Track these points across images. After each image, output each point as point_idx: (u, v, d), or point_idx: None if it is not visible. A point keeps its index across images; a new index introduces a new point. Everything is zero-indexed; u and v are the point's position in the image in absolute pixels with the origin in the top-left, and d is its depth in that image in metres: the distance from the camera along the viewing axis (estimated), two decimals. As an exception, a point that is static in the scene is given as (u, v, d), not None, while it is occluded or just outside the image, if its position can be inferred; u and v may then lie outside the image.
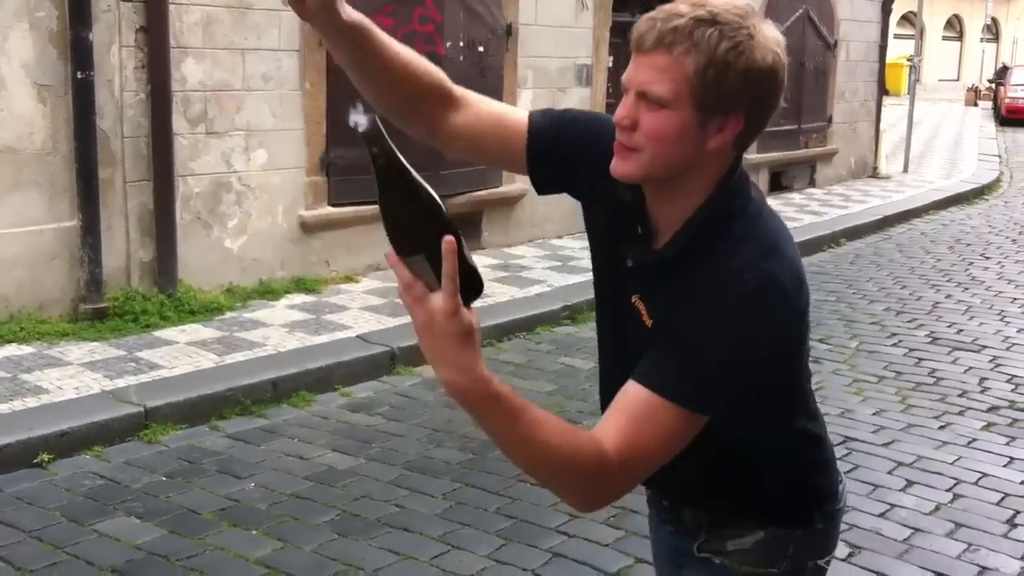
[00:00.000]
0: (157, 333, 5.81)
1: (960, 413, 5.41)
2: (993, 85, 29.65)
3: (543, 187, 1.79)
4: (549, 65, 8.94)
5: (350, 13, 1.56)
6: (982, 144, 19.41)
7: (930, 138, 20.01)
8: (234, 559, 3.69)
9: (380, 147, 1.29)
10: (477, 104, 1.73)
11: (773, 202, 12.15)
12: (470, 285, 1.36)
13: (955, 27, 42.37)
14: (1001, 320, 7.29)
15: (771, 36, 1.52)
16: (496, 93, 8.33)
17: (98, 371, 5.16)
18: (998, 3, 38.50)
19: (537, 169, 1.74)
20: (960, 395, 5.69)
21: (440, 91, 1.71)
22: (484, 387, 1.37)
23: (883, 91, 14.81)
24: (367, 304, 6.71)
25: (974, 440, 5.03)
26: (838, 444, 4.88)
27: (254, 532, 3.88)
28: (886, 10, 14.11)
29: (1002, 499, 4.37)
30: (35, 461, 4.34)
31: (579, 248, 8.01)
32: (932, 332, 6.94)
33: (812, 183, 13.01)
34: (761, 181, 12.14)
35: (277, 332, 5.98)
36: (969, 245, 10.18)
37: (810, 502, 1.80)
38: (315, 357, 5.58)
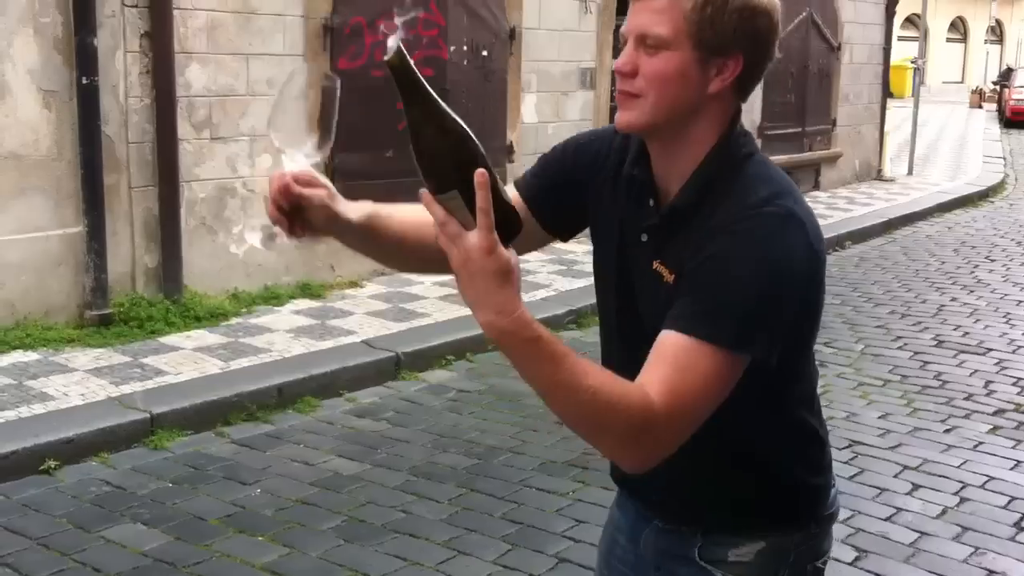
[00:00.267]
0: (163, 339, 5.82)
1: (966, 416, 5.40)
2: (997, 87, 29.62)
3: (567, 233, 1.80)
4: (553, 69, 8.94)
5: (358, 210, 1.57)
6: (987, 146, 19.40)
7: (935, 140, 20.00)
8: (240, 565, 3.69)
9: (404, 74, 1.28)
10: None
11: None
12: (507, 223, 1.33)
13: (959, 29, 42.35)
14: (1007, 323, 7.28)
15: None
16: (500, 97, 8.35)
17: (104, 377, 5.17)
18: (1002, 5, 38.47)
19: (554, 222, 1.77)
20: (966, 398, 5.68)
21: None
22: (525, 328, 1.34)
23: (887, 94, 14.80)
24: (372, 309, 6.71)
25: (980, 443, 5.03)
26: (844, 448, 4.89)
27: (260, 538, 3.88)
28: (890, 12, 14.11)
29: (1009, 502, 4.37)
30: (42, 468, 4.35)
31: (583, 253, 8.00)
32: (937, 335, 6.93)
33: (817, 186, 13.01)
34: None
35: (282, 338, 5.99)
36: (974, 248, 10.16)
37: (809, 503, 1.78)
38: (320, 362, 5.58)
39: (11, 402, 4.78)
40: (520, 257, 1.37)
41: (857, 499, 4.35)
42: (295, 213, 1.51)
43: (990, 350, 6.60)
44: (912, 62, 18.51)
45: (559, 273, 7.84)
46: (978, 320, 7.34)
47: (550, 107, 8.98)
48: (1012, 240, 10.64)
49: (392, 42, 1.26)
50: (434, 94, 1.30)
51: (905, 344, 6.72)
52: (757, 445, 1.70)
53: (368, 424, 5.09)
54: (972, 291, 8.24)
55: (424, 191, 1.31)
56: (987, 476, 4.63)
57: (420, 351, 5.90)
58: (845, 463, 4.72)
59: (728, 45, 1.50)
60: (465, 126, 1.31)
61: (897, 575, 3.76)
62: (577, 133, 1.81)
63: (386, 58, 1.26)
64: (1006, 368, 6.23)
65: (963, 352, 6.55)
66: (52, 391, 4.95)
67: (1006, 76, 29.20)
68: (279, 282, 6.94)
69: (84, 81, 5.78)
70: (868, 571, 3.77)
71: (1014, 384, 5.93)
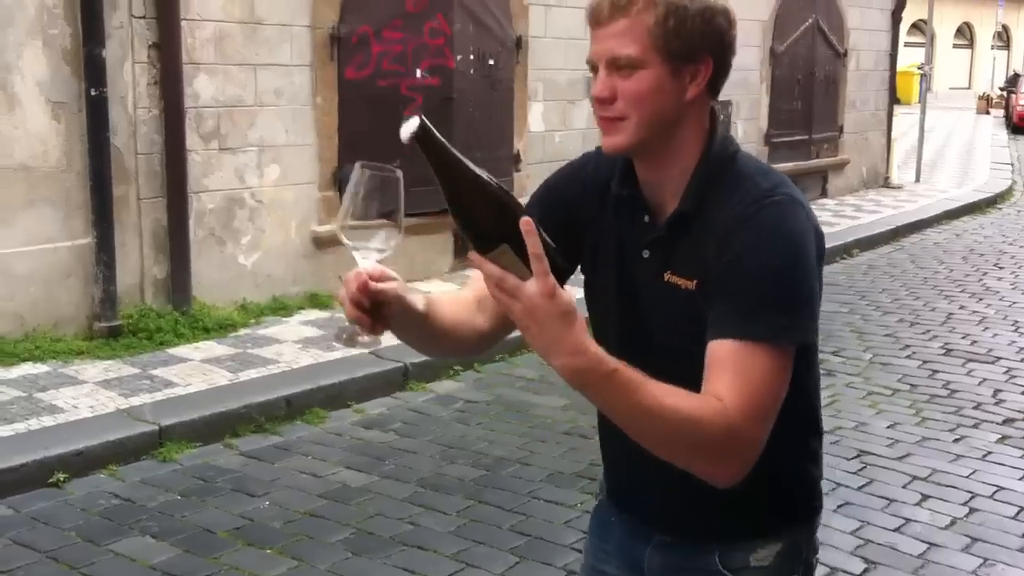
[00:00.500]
0: (171, 350, 5.83)
1: (975, 426, 5.38)
2: (1005, 93, 29.56)
3: (569, 273, 1.75)
4: (559, 77, 8.95)
5: (420, 300, 1.59)
6: (994, 152, 19.36)
7: (942, 147, 19.96)
8: (249, 578, 3.69)
9: (432, 146, 1.31)
10: (487, 300, 1.67)
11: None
12: (554, 264, 1.35)
13: (966, 35, 42.28)
14: (1015, 331, 7.26)
15: None
16: (507, 106, 8.36)
17: (113, 389, 5.18)
18: (1009, 10, 38.39)
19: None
20: (975, 407, 5.66)
21: (477, 321, 1.70)
22: (601, 363, 1.36)
23: (894, 100, 14.79)
24: (380, 319, 6.70)
25: (989, 453, 5.01)
26: (852, 458, 4.88)
27: (268, 551, 3.89)
28: (896, 19, 14.10)
29: (1018, 512, 4.35)
30: (51, 480, 4.36)
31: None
32: (946, 343, 6.92)
33: (824, 193, 12.99)
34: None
35: (290, 348, 6.00)
36: (982, 255, 10.14)
37: (813, 495, 1.79)
38: (328, 373, 5.59)
39: (20, 414, 4.80)
40: None
41: (866, 510, 4.34)
42: (374, 310, 1.50)
43: (999, 359, 6.58)
44: (919, 68, 18.49)
45: (567, 283, 7.82)
46: (987, 328, 7.32)
47: (557, 116, 8.98)
48: (1021, 247, 10.61)
49: (414, 119, 1.29)
50: (460, 157, 1.32)
51: (914, 353, 6.70)
52: (771, 441, 1.65)
53: (376, 435, 5.10)
54: (981, 299, 8.22)
55: (472, 253, 1.33)
56: (996, 486, 4.61)
57: (428, 361, 5.90)
58: (854, 473, 4.71)
59: (696, 50, 1.54)
60: (495, 181, 1.33)
61: (907, 587, 3.75)
62: (547, 178, 1.81)
63: (411, 133, 1.29)
64: (1015, 377, 6.21)
65: (972, 361, 6.53)
66: (61, 403, 4.96)
67: (1013, 82, 29.11)
68: (287, 293, 6.95)
69: (93, 92, 5.80)
70: (878, 583, 3.77)
71: (1023, 393, 5.91)
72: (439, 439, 5.04)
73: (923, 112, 15.46)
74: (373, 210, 1.45)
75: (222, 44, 6.52)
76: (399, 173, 1.40)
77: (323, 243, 7.19)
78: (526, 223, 1.29)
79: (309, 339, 6.20)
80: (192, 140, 6.38)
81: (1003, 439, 5.21)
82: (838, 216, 11.64)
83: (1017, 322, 7.48)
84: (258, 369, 5.60)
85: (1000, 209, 13.48)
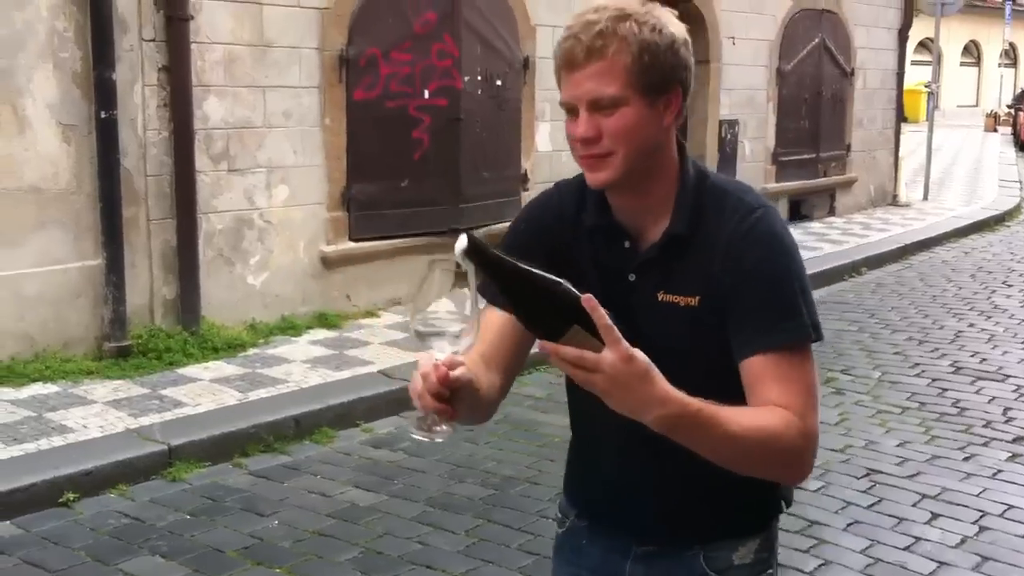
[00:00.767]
0: (181, 370, 5.85)
1: (985, 444, 5.37)
2: (1012, 110, 29.54)
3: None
4: (567, 98, 8.97)
5: (488, 380, 1.63)
6: (1002, 170, 19.33)
7: (950, 165, 19.95)
8: (258, 598, 3.69)
9: (484, 258, 1.37)
10: (492, 355, 1.73)
11: (793, 231, 12.11)
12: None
13: (973, 53, 42.31)
14: (1025, 349, 7.25)
15: (666, 9, 1.65)
16: (514, 126, 8.40)
17: (122, 409, 5.20)
18: (1016, 27, 38.44)
19: None
20: (984, 426, 5.65)
21: (494, 379, 1.73)
22: (686, 406, 1.44)
23: (901, 118, 14.79)
24: (388, 339, 6.73)
25: (999, 471, 4.99)
26: (862, 476, 4.87)
27: (277, 570, 3.89)
28: (903, 37, 14.13)
29: (1029, 531, 4.34)
30: (60, 500, 4.37)
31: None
32: (955, 361, 6.90)
33: (832, 212, 12.99)
34: (780, 210, 12.12)
35: (299, 368, 6.01)
36: (991, 273, 10.12)
37: (778, 488, 1.83)
38: (337, 393, 5.60)
39: (31, 435, 4.82)
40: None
41: (876, 528, 4.32)
42: (450, 398, 1.52)
43: (1008, 376, 6.56)
44: (926, 86, 18.51)
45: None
46: (996, 346, 7.30)
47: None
48: (1029, 265, 10.60)
49: (463, 237, 1.36)
50: (510, 261, 1.39)
51: (923, 371, 6.69)
52: None
53: (385, 454, 5.10)
54: (989, 317, 8.21)
55: (544, 343, 1.38)
56: (1007, 504, 4.59)
57: (436, 381, 5.90)
58: (863, 492, 4.70)
59: (669, 81, 1.62)
60: (543, 272, 1.38)
61: (917, 606, 3.73)
62: (515, 223, 1.85)
63: (463, 249, 1.36)
64: (1025, 395, 6.20)
65: (981, 379, 6.51)
66: (71, 423, 4.98)
67: (1021, 99, 29.11)
68: (296, 312, 6.98)
69: (103, 115, 5.85)
70: (888, 602, 3.75)
71: (1033, 411, 5.90)
72: (447, 458, 5.04)
73: (931, 130, 15.47)
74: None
75: (231, 66, 6.57)
76: (470, 268, 1.43)
77: (331, 263, 7.22)
78: (588, 300, 1.36)
79: (318, 359, 6.22)
80: (201, 161, 6.42)
81: (1013, 457, 5.19)
82: (846, 234, 11.64)
83: (1026, 340, 7.47)
84: (267, 389, 5.61)
85: (1008, 227, 13.46)
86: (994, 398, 6.13)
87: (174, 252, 6.32)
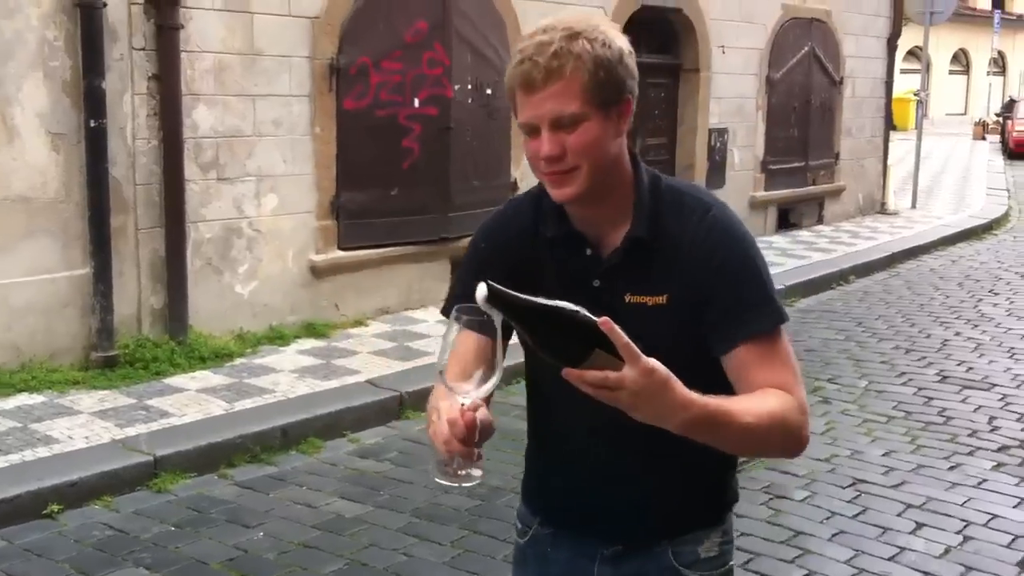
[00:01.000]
0: (167, 380, 5.85)
1: (970, 453, 5.39)
2: (1001, 119, 29.68)
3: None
4: (556, 107, 8.99)
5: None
6: (990, 178, 19.42)
7: (938, 173, 20.03)
8: (243, 610, 3.69)
9: (502, 301, 1.42)
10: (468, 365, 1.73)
11: (781, 240, 12.34)
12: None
13: (961, 61, 42.48)
14: (1011, 357, 7.27)
15: (610, 23, 1.72)
16: (504, 135, 8.41)
17: (108, 420, 5.19)
18: (1004, 36, 38.61)
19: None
20: (970, 435, 5.67)
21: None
22: (703, 407, 1.52)
23: (890, 126, 14.86)
24: (377, 348, 6.73)
25: (984, 481, 5.01)
26: (847, 486, 4.89)
27: (263, 582, 3.89)
28: (892, 46, 14.19)
29: (1012, 541, 4.35)
30: (44, 512, 4.36)
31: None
32: (942, 370, 6.93)
33: (820, 220, 13.04)
34: (769, 218, 12.19)
35: (287, 378, 6.01)
36: (978, 281, 10.17)
37: (734, 479, 1.91)
38: (324, 403, 5.60)
39: (15, 445, 4.80)
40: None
41: (860, 538, 4.34)
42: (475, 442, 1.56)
43: (994, 385, 6.59)
44: (915, 95, 18.57)
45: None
46: (982, 355, 7.33)
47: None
48: (1016, 273, 10.63)
49: (482, 286, 1.41)
50: (530, 300, 1.44)
51: (909, 380, 6.71)
52: None
53: (371, 465, 5.10)
54: (976, 325, 8.24)
55: (569, 371, 1.43)
56: (991, 514, 4.61)
57: (424, 390, 5.88)
58: (848, 502, 4.72)
59: (622, 92, 1.68)
60: (559, 303, 1.43)
61: (901, 617, 3.74)
62: (470, 242, 1.90)
63: (483, 297, 1.41)
64: (1010, 404, 6.22)
65: (967, 388, 6.54)
66: (56, 434, 4.97)
67: (1009, 108, 29.21)
68: (284, 322, 6.97)
69: (92, 124, 5.85)
70: (871, 613, 3.76)
71: (1018, 420, 5.92)
72: (434, 468, 5.03)
73: (919, 138, 15.53)
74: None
75: (221, 75, 6.58)
76: (495, 317, 1.48)
77: (320, 272, 7.22)
78: (605, 323, 1.41)
79: (305, 368, 6.22)
80: (190, 170, 6.42)
81: (998, 466, 5.21)
82: (834, 243, 11.68)
83: (1013, 349, 7.50)
84: (254, 399, 5.61)
85: (996, 235, 13.52)
86: (980, 407, 6.16)
87: (162, 261, 6.32)
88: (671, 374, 1.47)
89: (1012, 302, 9.17)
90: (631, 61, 1.69)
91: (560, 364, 1.45)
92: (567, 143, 1.65)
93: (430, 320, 7.37)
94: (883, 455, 5.34)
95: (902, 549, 4.26)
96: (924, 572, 4.06)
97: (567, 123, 1.64)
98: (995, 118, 31.50)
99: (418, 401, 5.82)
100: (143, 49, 6.17)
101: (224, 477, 4.88)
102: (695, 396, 1.50)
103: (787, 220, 12.52)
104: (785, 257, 10.47)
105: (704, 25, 10.66)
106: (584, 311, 1.43)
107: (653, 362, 1.44)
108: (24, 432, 4.98)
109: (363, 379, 6.04)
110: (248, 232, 6.81)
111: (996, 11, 37.64)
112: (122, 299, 6.10)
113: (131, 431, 5.05)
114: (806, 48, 12.22)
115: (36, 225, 5.80)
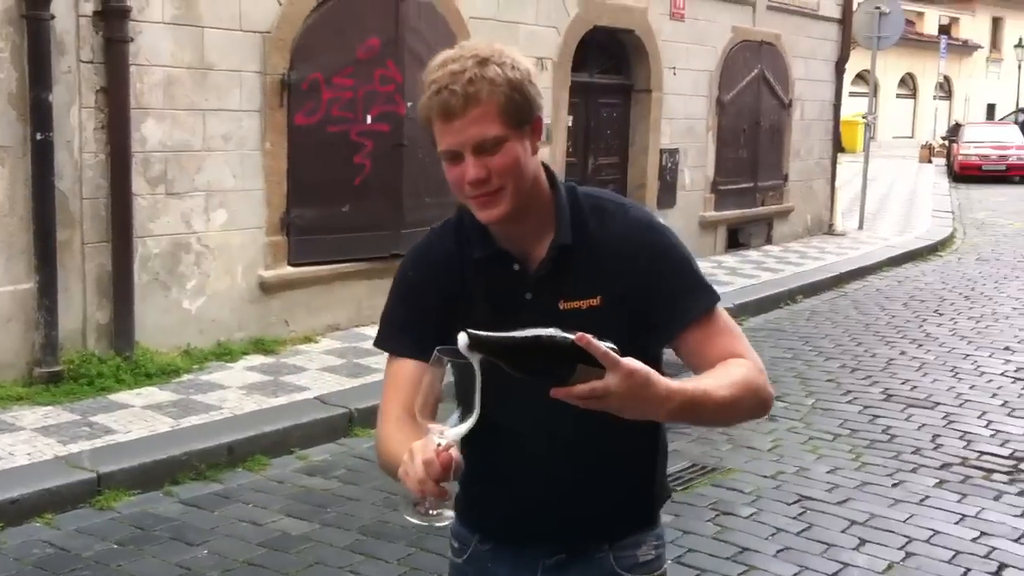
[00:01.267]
0: (112, 396, 5.77)
1: (913, 470, 5.47)
2: (947, 142, 30.28)
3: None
4: (509, 125, 9.02)
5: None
6: (936, 200, 19.78)
7: (885, 195, 20.36)
8: (185, 629, 3.65)
9: (484, 346, 1.49)
10: (423, 402, 1.69)
11: (731, 259, 12.48)
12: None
13: (908, 85, 43.33)
14: (954, 376, 7.40)
15: (507, 47, 1.77)
16: (456, 153, 8.40)
17: (51, 436, 5.11)
18: (950, 61, 39.45)
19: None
20: (913, 452, 5.76)
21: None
22: (684, 392, 1.60)
23: (838, 149, 15.10)
24: (326, 365, 6.70)
25: (927, 497, 5.09)
26: (793, 503, 4.93)
27: (206, 600, 3.84)
28: (840, 70, 14.45)
29: (953, 556, 4.42)
30: (-16, 530, 4.29)
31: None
32: (886, 389, 7.03)
33: (769, 240, 13.20)
34: (719, 238, 12.31)
35: (234, 394, 5.96)
36: (923, 302, 10.34)
37: (665, 478, 1.98)
38: (272, 420, 5.55)
39: (-45, 462, 4.72)
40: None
41: (804, 555, 4.38)
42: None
43: (938, 404, 6.70)
44: (863, 117, 18.90)
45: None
46: (926, 374, 7.45)
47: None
48: (960, 294, 10.83)
49: (462, 335, 1.49)
50: (508, 337, 1.50)
51: (855, 398, 6.81)
52: (650, 427, 1.86)
53: (319, 482, 5.07)
54: (921, 345, 8.38)
55: (557, 391, 1.50)
56: (933, 531, 4.68)
57: (374, 407, 5.85)
58: (793, 518, 4.76)
59: (532, 111, 1.76)
60: (535, 332, 1.50)
61: (843, 632, 3.78)
62: (398, 272, 1.94)
63: (466, 343, 1.48)
64: (953, 422, 6.33)
65: (911, 406, 6.64)
66: (-3, 450, 4.89)
67: (955, 131, 29.87)
68: (232, 338, 6.91)
69: (39, 137, 5.78)
70: (814, 628, 3.79)
71: (960, 438, 6.02)
72: (383, 486, 5.01)
73: (867, 161, 15.79)
74: (449, 393, 1.63)
75: (171, 89, 6.53)
76: (475, 359, 1.52)
77: (269, 288, 7.18)
78: (581, 338, 1.47)
79: (253, 385, 6.17)
80: (138, 184, 6.36)
81: (940, 484, 5.29)
82: (782, 263, 11.82)
83: (956, 368, 7.63)
84: (200, 416, 5.55)
85: (941, 256, 13.76)
86: (923, 425, 6.25)
87: (109, 276, 6.24)
88: (650, 370, 1.53)
89: (956, 322, 9.33)
90: (534, 80, 1.75)
91: (548, 386, 1.50)
92: (491, 165, 1.71)
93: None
94: (828, 472, 5.41)
95: (846, 565, 4.31)
96: (867, 588, 4.11)
97: (489, 146, 1.70)
98: (941, 141, 32.13)
99: (367, 418, 5.79)
100: (91, 62, 6.11)
101: (169, 494, 4.82)
102: (675, 385, 1.58)
103: (736, 240, 12.66)
104: (734, 276, 10.59)
105: (656, 46, 10.78)
106: (559, 332, 1.49)
107: (632, 363, 1.50)
108: (-37, 449, 4.90)
109: (312, 396, 6.01)
110: (196, 247, 6.75)
111: (943, 36, 38.50)
112: (67, 314, 6.01)
113: (74, 447, 4.97)
114: (756, 71, 12.40)
115: (-21, 238, 5.71)
